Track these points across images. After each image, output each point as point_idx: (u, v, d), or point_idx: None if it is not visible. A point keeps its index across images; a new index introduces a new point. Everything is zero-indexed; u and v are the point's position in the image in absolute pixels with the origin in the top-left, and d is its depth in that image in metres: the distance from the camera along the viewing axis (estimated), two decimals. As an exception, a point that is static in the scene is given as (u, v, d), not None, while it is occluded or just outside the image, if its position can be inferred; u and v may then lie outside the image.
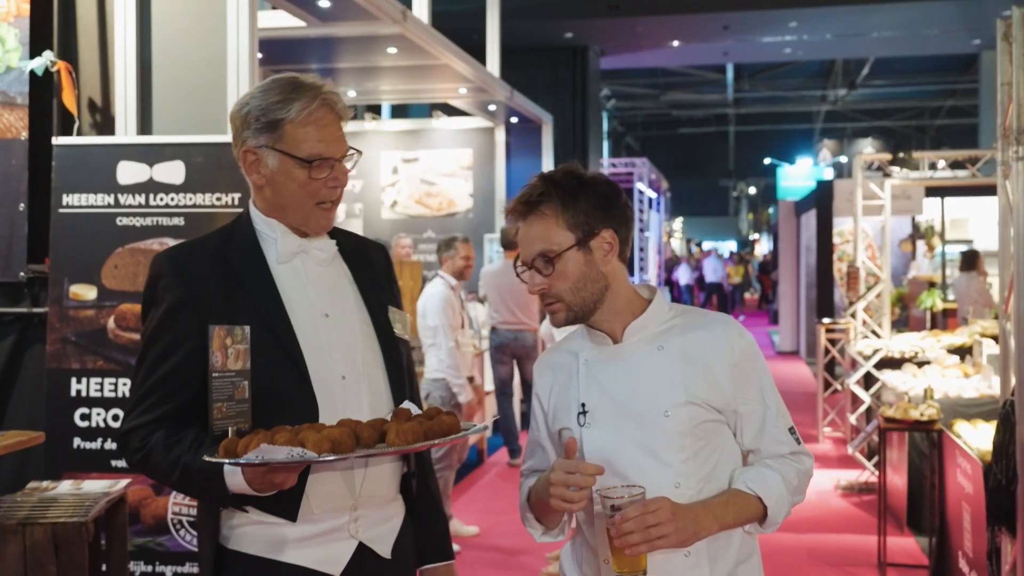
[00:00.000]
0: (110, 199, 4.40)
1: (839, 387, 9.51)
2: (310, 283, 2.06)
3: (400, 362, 2.12)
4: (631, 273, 13.86)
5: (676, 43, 19.55)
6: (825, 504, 7.12)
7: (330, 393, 1.98)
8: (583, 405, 2.02)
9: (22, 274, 4.53)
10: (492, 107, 10.17)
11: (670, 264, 27.16)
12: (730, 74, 29.84)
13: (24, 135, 4.54)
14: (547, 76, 17.76)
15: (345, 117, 2.06)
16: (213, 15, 4.56)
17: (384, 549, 2.06)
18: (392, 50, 7.38)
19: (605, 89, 27.06)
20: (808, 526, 6.47)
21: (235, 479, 1.83)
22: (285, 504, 1.92)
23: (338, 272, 2.12)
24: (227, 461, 1.76)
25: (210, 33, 4.56)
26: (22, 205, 4.54)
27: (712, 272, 25.38)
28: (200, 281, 1.97)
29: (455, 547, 5.98)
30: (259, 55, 7.50)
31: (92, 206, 4.41)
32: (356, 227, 10.99)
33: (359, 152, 2.09)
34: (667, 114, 35.12)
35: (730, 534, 2.00)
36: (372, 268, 2.19)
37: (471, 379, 6.14)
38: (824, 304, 12.59)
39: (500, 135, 10.98)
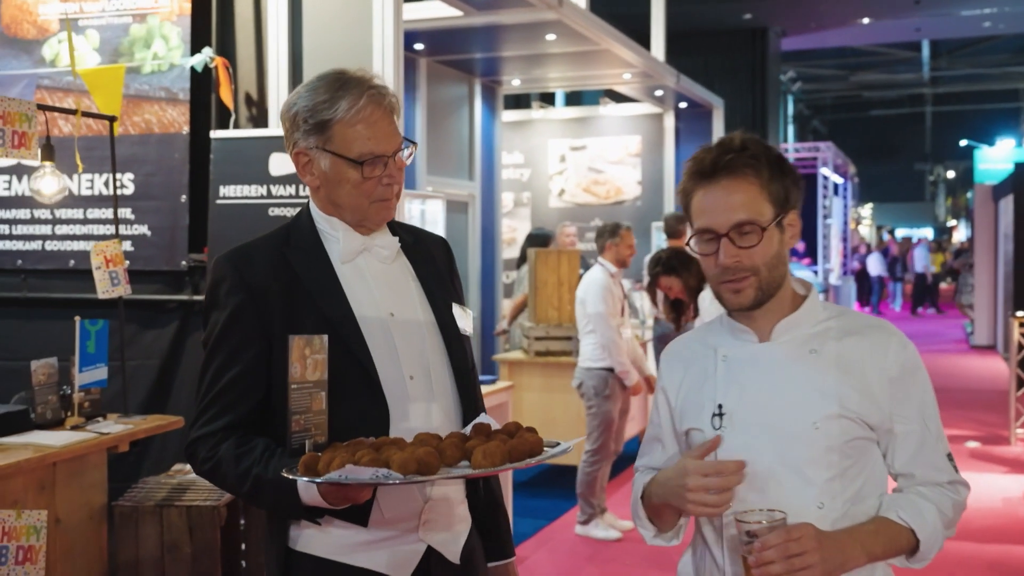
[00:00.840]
0: (263, 190, 4.54)
1: (1034, 386, 8.81)
2: (374, 282, 2.00)
3: (466, 360, 2.07)
4: (814, 262, 13.18)
5: (866, 20, 18.65)
6: (1012, 512, 6.59)
7: (399, 393, 1.94)
8: (720, 407, 1.84)
9: (184, 263, 4.73)
10: (659, 92, 9.95)
11: (855, 252, 25.84)
12: (926, 52, 28.31)
13: (186, 129, 4.73)
14: (725, 60, 17.32)
15: (396, 110, 1.99)
16: (360, 8, 4.61)
17: (453, 553, 2.00)
18: (551, 36, 7.30)
19: (790, 71, 26.17)
20: (991, 536, 5.99)
21: (309, 493, 1.79)
22: (356, 510, 1.87)
23: (401, 269, 2.07)
24: (307, 479, 1.72)
25: (357, 26, 4.61)
26: (184, 197, 4.73)
27: (919, 262, 23.94)
28: (262, 284, 1.93)
29: (616, 533, 5.90)
30: (420, 46, 7.63)
31: (246, 197, 4.56)
32: (524, 216, 11.01)
33: (414, 144, 2.02)
34: (857, 96, 33.65)
35: (873, 567, 1.81)
36: (434, 264, 2.13)
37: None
38: (1021, 295, 11.71)
39: (669, 121, 10.73)
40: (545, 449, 1.83)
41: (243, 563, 3.48)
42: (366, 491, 1.78)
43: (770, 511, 1.70)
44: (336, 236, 1.99)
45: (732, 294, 1.82)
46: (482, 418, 1.95)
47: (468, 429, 1.90)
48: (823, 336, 1.83)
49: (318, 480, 1.69)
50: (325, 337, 1.84)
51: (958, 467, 1.89)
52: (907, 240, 26.89)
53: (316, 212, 2.03)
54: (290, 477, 1.74)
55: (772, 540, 1.64)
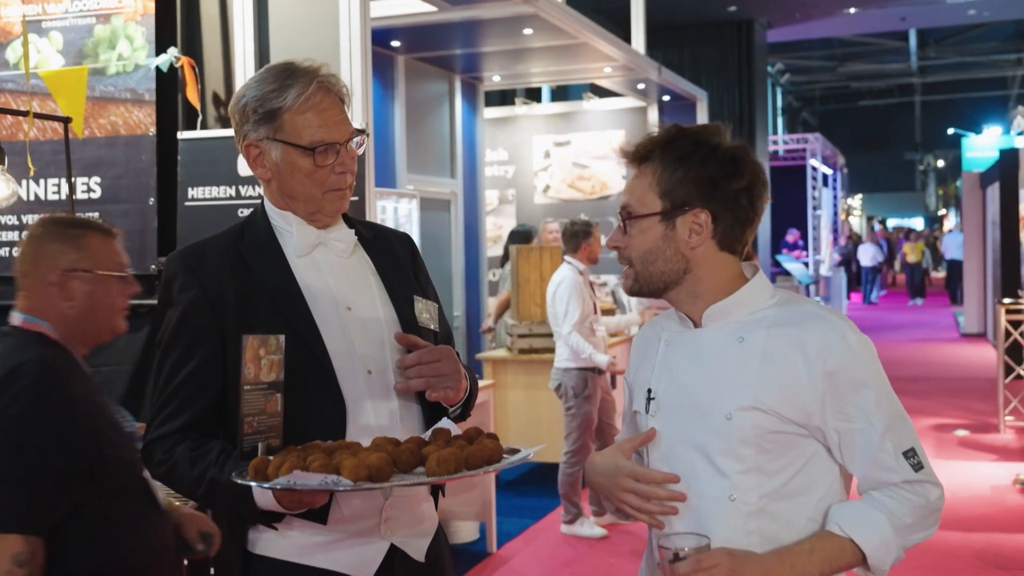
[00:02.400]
0: (231, 191, 4.48)
1: (1022, 372, 8.77)
2: (331, 275, 1.97)
3: None
4: (804, 251, 12.99)
5: (851, 10, 18.60)
6: (1000, 500, 6.55)
7: (357, 388, 1.90)
8: (650, 391, 1.84)
9: (153, 267, 4.66)
10: (641, 86, 9.89)
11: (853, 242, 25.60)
12: (913, 41, 28.27)
13: (152, 131, 4.66)
14: (712, 52, 17.27)
15: (346, 100, 1.97)
16: (326, 5, 4.54)
17: (417, 552, 1.96)
18: (528, 31, 7.24)
19: (779, 63, 26.12)
20: (979, 524, 5.95)
21: (264, 497, 1.76)
22: (315, 509, 1.82)
23: (360, 263, 2.03)
24: (255, 484, 1.68)
25: (324, 23, 4.55)
26: (152, 199, 4.66)
27: (956, 249, 23.59)
28: (216, 279, 1.90)
29: (601, 531, 5.87)
30: (397, 43, 7.56)
31: (215, 198, 4.50)
32: (509, 213, 10.95)
33: (366, 134, 2.00)
34: (846, 86, 33.65)
35: None
36: (395, 258, 2.09)
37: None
38: (1009, 283, 11.69)
39: (653, 114, 10.67)
40: (504, 456, 1.80)
41: (211, 570, 3.41)
42: (322, 495, 1.74)
43: (697, 535, 1.66)
44: (290, 230, 1.97)
45: (624, 279, 1.85)
46: (443, 423, 1.92)
47: (428, 434, 1.87)
48: (756, 324, 1.76)
49: (265, 485, 1.65)
50: (282, 337, 1.81)
51: (930, 460, 1.76)
52: (899, 229, 26.80)
53: (270, 208, 2.00)
54: (239, 482, 1.70)
55: (682, 569, 1.61)
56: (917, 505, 1.71)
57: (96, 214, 4.71)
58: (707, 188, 1.74)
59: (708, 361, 1.77)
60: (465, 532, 5.80)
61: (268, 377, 1.77)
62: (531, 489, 7.01)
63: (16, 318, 2.29)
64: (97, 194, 4.71)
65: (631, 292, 1.83)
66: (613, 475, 1.78)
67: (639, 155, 1.79)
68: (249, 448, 1.76)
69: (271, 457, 1.72)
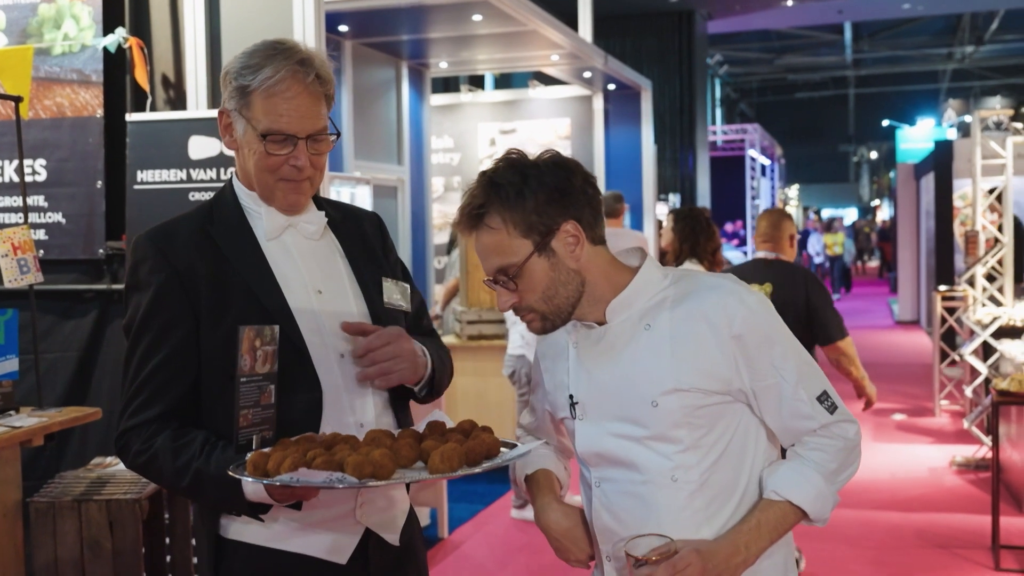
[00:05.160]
0: (182, 174, 4.41)
1: (956, 358, 9.01)
2: (301, 259, 1.94)
3: None
4: (742, 244, 13.20)
5: (789, 3, 18.87)
6: (938, 481, 6.73)
7: (330, 372, 1.89)
8: (571, 397, 1.84)
9: (101, 251, 4.57)
10: (587, 74, 9.93)
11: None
12: (848, 34, 28.80)
13: (100, 113, 4.56)
14: (654, 43, 17.41)
15: (323, 92, 1.90)
16: (279, -15, 4.48)
17: (392, 536, 1.95)
18: (477, 17, 7.23)
19: (717, 55, 26.41)
20: (918, 505, 6.11)
21: (255, 489, 1.73)
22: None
23: (329, 246, 2.01)
24: (252, 479, 1.66)
25: (277, 4, 4.49)
26: (100, 183, 4.57)
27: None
28: (186, 263, 1.85)
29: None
30: (345, 28, 7.49)
31: (165, 182, 4.42)
32: (455, 201, 10.92)
33: (337, 134, 1.95)
34: (782, 78, 34.15)
35: (771, 552, 1.80)
36: (363, 240, 2.07)
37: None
38: (944, 271, 11.99)
39: (598, 103, 10.72)
40: (502, 450, 1.80)
41: (167, 558, 3.37)
42: (314, 489, 1.71)
43: (659, 536, 1.70)
44: (260, 212, 1.93)
45: (527, 325, 1.82)
46: (436, 415, 1.91)
47: (422, 427, 1.86)
48: (658, 308, 1.78)
49: (265, 481, 1.63)
50: (276, 328, 1.78)
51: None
52: (833, 220, 27.16)
53: (239, 188, 1.96)
54: (238, 478, 1.67)
55: (659, 574, 1.65)
56: (838, 448, 1.79)
57: (41, 197, 4.61)
58: (559, 200, 1.72)
59: (621, 355, 1.79)
60: (417, 518, 5.79)
61: (263, 369, 1.75)
62: (480, 475, 7.02)
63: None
64: (42, 176, 4.60)
65: (543, 332, 1.81)
66: (555, 537, 1.97)
67: (475, 215, 1.74)
68: (244, 441, 1.73)
69: (267, 451, 1.69)
